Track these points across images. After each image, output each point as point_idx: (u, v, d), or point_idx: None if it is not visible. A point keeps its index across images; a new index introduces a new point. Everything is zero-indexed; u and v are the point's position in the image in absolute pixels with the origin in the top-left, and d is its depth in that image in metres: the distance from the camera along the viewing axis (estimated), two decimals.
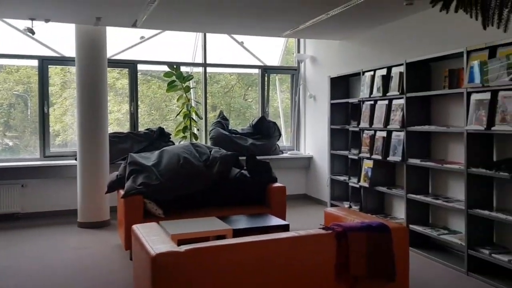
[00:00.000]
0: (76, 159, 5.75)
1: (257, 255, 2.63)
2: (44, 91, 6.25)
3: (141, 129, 6.78)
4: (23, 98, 6.61)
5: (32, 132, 6.44)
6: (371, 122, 5.10)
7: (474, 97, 3.74)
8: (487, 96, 3.61)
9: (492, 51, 3.62)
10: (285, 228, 3.82)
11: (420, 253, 4.36)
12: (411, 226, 4.44)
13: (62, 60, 6.38)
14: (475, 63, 3.68)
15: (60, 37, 6.23)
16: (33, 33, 5.17)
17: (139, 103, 6.85)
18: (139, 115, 6.84)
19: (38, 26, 5.23)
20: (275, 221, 4.03)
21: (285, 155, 7.21)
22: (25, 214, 5.97)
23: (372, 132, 5.10)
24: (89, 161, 5.57)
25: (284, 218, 4.55)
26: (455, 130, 4.05)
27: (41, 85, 6.24)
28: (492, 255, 3.59)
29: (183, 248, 2.49)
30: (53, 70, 6.43)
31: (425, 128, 4.39)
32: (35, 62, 6.26)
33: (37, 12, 4.80)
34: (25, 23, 5.24)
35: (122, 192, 4.40)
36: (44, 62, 6.25)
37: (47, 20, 5.12)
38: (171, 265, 2.43)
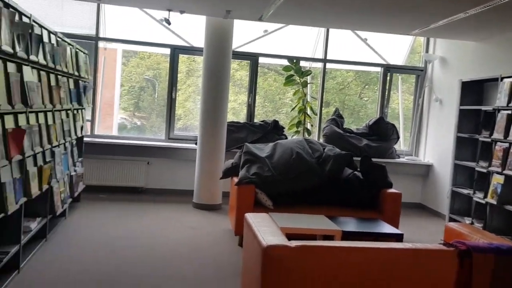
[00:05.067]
0: (196, 144, 6.11)
1: (368, 263, 2.51)
2: (173, 78, 6.70)
3: (255, 120, 6.94)
4: (152, 83, 7.18)
5: (158, 114, 6.96)
6: (506, 133, 4.59)
7: None
8: None
9: None
10: (399, 237, 3.61)
11: None
12: None
13: (191, 50, 6.76)
14: None
15: (190, 28, 6.62)
16: (169, 23, 5.56)
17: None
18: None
19: (172, 17, 5.61)
20: (388, 228, 3.83)
21: (402, 159, 6.85)
22: (147, 189, 6.50)
23: (507, 145, 4.58)
24: (208, 147, 5.87)
25: (397, 227, 4.32)
26: None
27: (171, 72, 6.70)
28: None
29: (293, 243, 2.48)
30: (180, 58, 6.85)
31: None
32: (167, 50, 6.73)
33: (175, 3, 5.14)
34: (162, 14, 5.66)
35: (236, 179, 4.56)
36: (176, 51, 6.69)
37: (182, 12, 5.46)
38: (280, 258, 2.44)
